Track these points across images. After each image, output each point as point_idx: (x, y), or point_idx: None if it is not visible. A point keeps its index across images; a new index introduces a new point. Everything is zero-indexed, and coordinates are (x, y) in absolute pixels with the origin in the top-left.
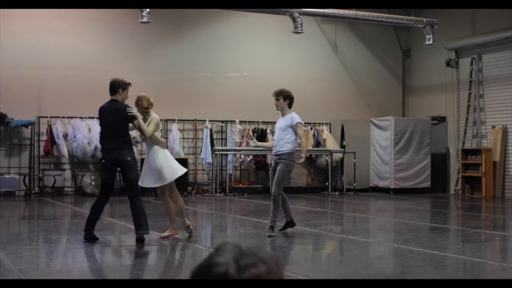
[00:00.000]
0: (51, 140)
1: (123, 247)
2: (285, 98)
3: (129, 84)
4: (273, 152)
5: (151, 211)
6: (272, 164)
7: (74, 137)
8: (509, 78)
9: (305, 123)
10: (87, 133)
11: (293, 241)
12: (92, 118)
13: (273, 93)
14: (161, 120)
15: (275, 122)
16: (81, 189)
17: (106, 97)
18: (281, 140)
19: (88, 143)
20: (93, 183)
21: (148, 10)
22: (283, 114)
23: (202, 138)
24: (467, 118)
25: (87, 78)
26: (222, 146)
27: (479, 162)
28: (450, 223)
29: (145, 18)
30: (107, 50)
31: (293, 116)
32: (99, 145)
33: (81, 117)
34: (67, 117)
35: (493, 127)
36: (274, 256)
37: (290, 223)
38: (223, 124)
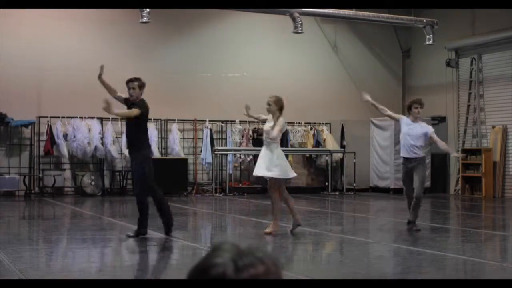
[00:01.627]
0: (51, 140)
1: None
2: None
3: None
4: None
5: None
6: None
7: (74, 137)
8: (509, 78)
9: (305, 123)
10: (87, 133)
11: (293, 241)
12: (92, 118)
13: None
14: (160, 120)
15: None
16: (81, 189)
17: (107, 97)
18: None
19: (88, 143)
20: (93, 183)
21: (148, 10)
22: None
23: (202, 138)
24: (467, 118)
25: (87, 78)
26: (222, 146)
27: (479, 162)
28: (450, 223)
29: (145, 18)
30: (107, 50)
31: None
32: (99, 145)
33: (81, 117)
34: (67, 117)
35: (493, 127)
36: (272, 256)
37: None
38: (223, 124)
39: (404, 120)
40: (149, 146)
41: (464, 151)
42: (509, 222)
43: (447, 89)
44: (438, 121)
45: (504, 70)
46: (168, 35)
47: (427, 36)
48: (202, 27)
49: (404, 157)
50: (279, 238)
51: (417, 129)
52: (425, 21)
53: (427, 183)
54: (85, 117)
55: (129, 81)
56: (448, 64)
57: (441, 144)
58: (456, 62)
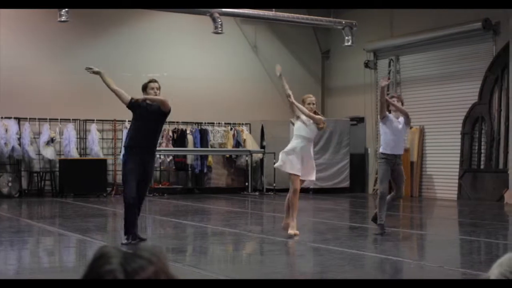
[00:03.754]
0: None
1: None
2: None
3: (146, 83)
4: None
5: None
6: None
7: None
8: (426, 79)
9: (225, 123)
10: (4, 134)
11: (213, 241)
12: (9, 118)
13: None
14: (79, 120)
15: (194, 123)
16: None
17: (24, 96)
18: None
19: (5, 143)
20: (10, 184)
21: (66, 9)
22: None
23: (122, 139)
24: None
25: (4, 77)
26: None
27: None
28: (368, 222)
29: (63, 17)
30: (25, 49)
31: None
32: (16, 146)
33: None
34: None
35: (411, 127)
36: (158, 253)
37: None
38: None
39: (391, 117)
40: None
41: None
42: (426, 221)
43: (366, 90)
44: (356, 121)
45: (421, 71)
46: (87, 34)
47: (346, 38)
48: (122, 26)
49: (390, 154)
50: (199, 238)
51: (401, 123)
52: (344, 22)
53: (346, 183)
54: (1, 117)
55: (155, 81)
56: (366, 65)
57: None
58: (375, 64)
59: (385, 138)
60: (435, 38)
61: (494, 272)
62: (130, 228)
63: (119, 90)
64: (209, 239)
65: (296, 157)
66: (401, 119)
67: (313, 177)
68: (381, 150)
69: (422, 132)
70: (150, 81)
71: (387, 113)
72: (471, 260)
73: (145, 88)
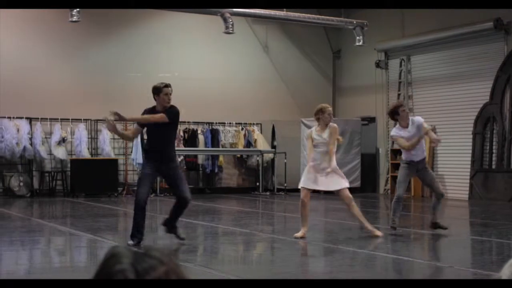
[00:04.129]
0: None
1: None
2: None
3: (161, 87)
4: None
5: (81, 212)
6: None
7: (2, 137)
8: (437, 79)
9: (236, 123)
10: (16, 134)
11: (223, 241)
12: (21, 118)
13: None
14: (90, 120)
15: (205, 123)
16: (9, 190)
17: (35, 96)
18: None
19: (17, 143)
20: (21, 184)
21: (78, 9)
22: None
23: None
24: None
25: (15, 77)
26: None
27: None
28: (380, 222)
29: (75, 17)
30: (36, 49)
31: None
32: (28, 146)
33: (9, 117)
34: None
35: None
36: (170, 253)
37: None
38: None
39: (397, 132)
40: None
41: (393, 151)
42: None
43: (377, 90)
44: (367, 121)
45: (432, 71)
46: (99, 35)
47: (357, 38)
48: (133, 27)
49: (410, 161)
50: (210, 238)
51: (414, 131)
52: (355, 22)
53: (357, 183)
54: (13, 117)
55: (169, 86)
56: (377, 65)
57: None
58: (386, 63)
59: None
60: (446, 38)
61: (506, 272)
62: (136, 232)
63: (131, 131)
64: (220, 239)
65: (306, 171)
66: (411, 128)
67: (337, 186)
68: (402, 156)
69: (433, 132)
70: (165, 86)
71: (395, 129)
72: (482, 260)
73: (158, 92)
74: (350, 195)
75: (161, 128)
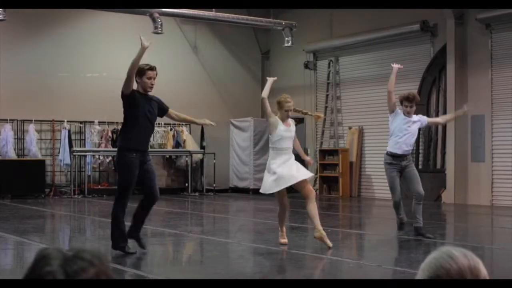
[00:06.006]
0: None
1: None
2: None
3: (144, 69)
4: None
5: (7, 213)
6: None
7: None
8: (365, 80)
9: (164, 124)
10: None
11: (152, 242)
12: None
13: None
14: (17, 120)
15: None
16: None
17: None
18: None
19: None
20: None
21: (1, 8)
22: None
23: (60, 139)
24: (324, 119)
25: None
26: (80, 147)
27: (336, 163)
28: (308, 222)
29: (0, 16)
30: None
31: None
32: None
33: None
34: None
35: (350, 128)
36: (99, 254)
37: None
38: (81, 125)
39: (399, 113)
40: None
41: (321, 151)
42: (365, 220)
43: (306, 91)
44: (296, 122)
45: (360, 72)
46: (25, 34)
47: (286, 39)
48: (61, 26)
49: (394, 155)
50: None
51: (414, 126)
52: (284, 23)
53: None
54: None
55: (154, 69)
56: (306, 66)
57: (442, 119)
58: (314, 64)
59: (391, 134)
60: (374, 39)
61: (420, 273)
62: (121, 241)
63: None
64: (149, 240)
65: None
66: (415, 123)
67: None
68: (387, 150)
69: (361, 133)
70: (150, 68)
71: (398, 110)
72: (409, 259)
73: (141, 74)
74: None
75: (153, 122)
